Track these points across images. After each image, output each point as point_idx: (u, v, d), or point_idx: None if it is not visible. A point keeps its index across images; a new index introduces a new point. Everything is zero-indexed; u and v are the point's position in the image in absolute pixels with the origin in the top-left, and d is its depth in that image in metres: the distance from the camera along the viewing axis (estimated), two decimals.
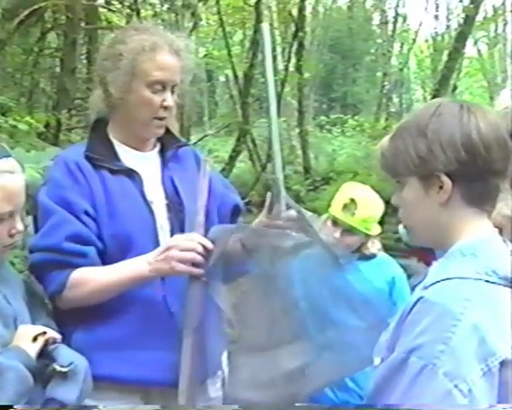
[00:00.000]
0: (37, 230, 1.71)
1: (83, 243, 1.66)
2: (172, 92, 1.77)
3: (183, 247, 1.62)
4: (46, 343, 1.47)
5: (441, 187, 1.13)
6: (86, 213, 1.68)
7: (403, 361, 1.04)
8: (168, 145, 1.87)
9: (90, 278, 1.66)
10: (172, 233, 1.75)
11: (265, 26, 2.40)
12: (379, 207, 2.43)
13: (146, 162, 1.82)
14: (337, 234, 2.34)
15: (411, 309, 1.09)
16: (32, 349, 1.44)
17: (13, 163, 1.52)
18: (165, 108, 1.75)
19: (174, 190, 1.80)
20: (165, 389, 1.70)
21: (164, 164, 1.85)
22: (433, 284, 1.08)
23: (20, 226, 1.54)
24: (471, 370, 0.99)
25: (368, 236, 2.40)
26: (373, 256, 2.44)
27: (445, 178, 1.12)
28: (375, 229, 2.41)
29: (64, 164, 1.74)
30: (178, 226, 1.76)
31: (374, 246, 2.45)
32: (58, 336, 1.52)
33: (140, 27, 1.88)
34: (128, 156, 1.81)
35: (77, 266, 1.65)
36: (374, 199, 2.43)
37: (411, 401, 1.01)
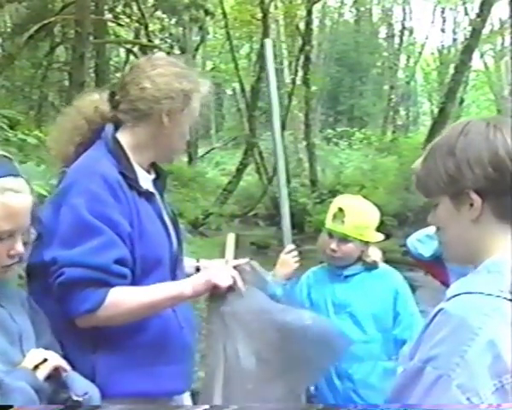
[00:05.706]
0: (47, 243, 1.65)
1: (126, 266, 1.64)
2: None
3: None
4: (57, 372, 1.45)
5: (472, 204, 1.14)
6: (129, 235, 1.65)
7: (419, 370, 1.04)
8: (159, 169, 1.86)
9: (130, 299, 1.64)
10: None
11: (268, 42, 2.44)
12: (370, 214, 2.42)
13: (152, 185, 1.81)
14: (333, 245, 2.37)
15: (432, 320, 1.09)
16: (40, 373, 1.42)
17: (20, 183, 1.46)
18: None
19: (172, 213, 1.85)
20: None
21: (162, 188, 1.85)
22: (454, 296, 1.09)
23: (19, 248, 1.47)
24: (484, 384, 0.99)
25: (366, 243, 2.41)
26: (375, 265, 2.44)
27: (475, 196, 1.13)
28: (373, 236, 2.41)
29: (102, 179, 1.64)
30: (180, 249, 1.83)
31: (374, 254, 2.45)
32: (64, 364, 1.49)
33: None
34: (143, 178, 1.77)
35: (115, 285, 1.62)
36: (363, 206, 2.43)
37: None
